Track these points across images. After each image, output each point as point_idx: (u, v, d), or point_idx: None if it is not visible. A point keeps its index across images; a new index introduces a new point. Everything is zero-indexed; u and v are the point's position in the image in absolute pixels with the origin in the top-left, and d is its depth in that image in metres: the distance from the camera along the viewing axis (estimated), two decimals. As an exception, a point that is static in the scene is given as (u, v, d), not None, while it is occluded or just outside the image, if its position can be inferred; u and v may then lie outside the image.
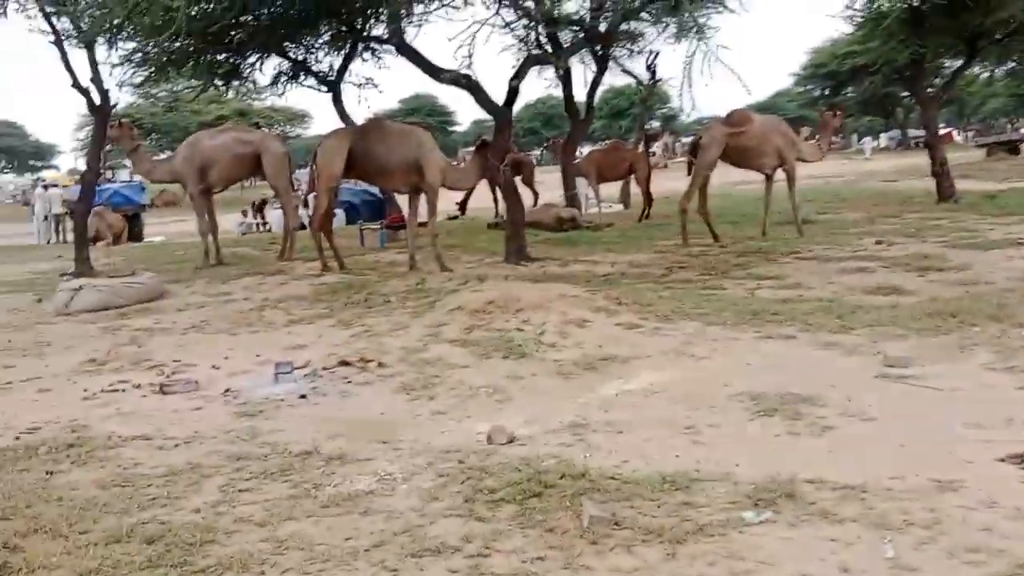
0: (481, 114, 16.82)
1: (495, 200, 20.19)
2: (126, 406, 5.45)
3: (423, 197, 11.69)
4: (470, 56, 9.99)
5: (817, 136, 14.02)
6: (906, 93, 60.91)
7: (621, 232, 16.10)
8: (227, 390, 5.75)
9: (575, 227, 16.89)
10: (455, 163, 12.27)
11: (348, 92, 17.91)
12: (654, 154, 22.44)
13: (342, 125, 14.78)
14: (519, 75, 11.84)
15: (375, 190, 22.03)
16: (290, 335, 7.55)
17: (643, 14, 11.06)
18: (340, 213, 23.28)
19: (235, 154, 12.88)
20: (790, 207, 13.68)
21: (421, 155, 11.30)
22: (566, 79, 18.77)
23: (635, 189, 20.65)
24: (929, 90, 19.65)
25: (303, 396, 5.50)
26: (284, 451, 4.36)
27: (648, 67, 23.92)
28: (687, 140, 66.92)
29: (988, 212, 15.07)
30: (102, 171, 19.26)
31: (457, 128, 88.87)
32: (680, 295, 8.24)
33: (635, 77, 23.75)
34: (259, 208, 24.85)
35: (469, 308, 7.32)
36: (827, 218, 16.21)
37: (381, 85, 17.91)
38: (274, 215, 23.08)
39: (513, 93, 11.92)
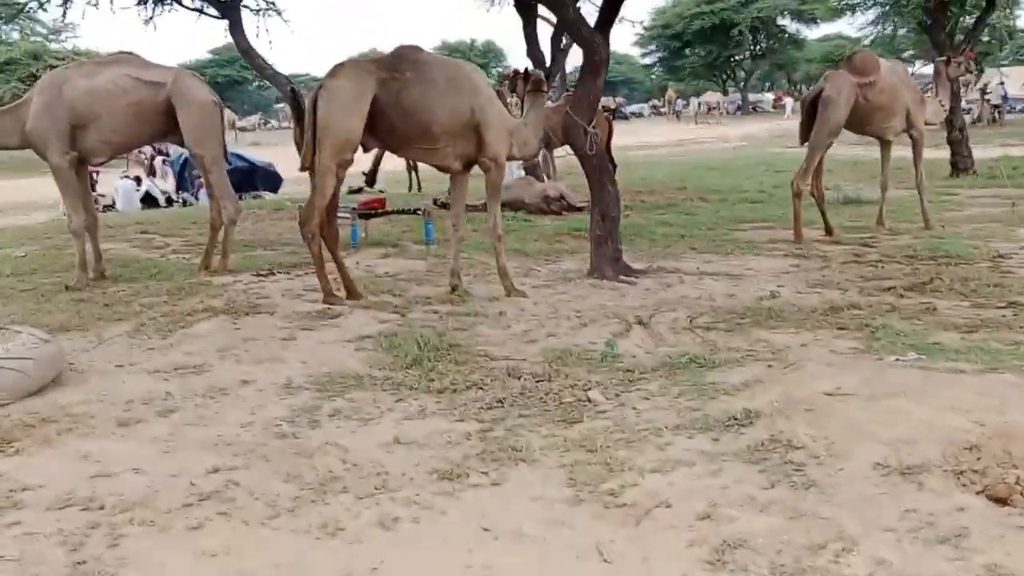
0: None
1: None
2: None
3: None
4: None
5: (935, 91, 10.52)
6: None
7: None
8: None
9: (568, 208, 12.84)
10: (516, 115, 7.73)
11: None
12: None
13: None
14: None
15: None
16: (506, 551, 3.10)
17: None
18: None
19: (131, 102, 7.85)
20: (914, 186, 10.19)
21: (479, 107, 6.84)
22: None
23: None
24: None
25: None
26: None
27: None
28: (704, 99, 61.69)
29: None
30: None
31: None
32: None
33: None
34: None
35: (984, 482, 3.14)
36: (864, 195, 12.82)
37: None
38: (121, 188, 17.36)
39: (614, 8, 7.62)
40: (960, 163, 16.12)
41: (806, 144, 9.47)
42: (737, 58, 66.11)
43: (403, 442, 3.97)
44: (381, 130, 6.70)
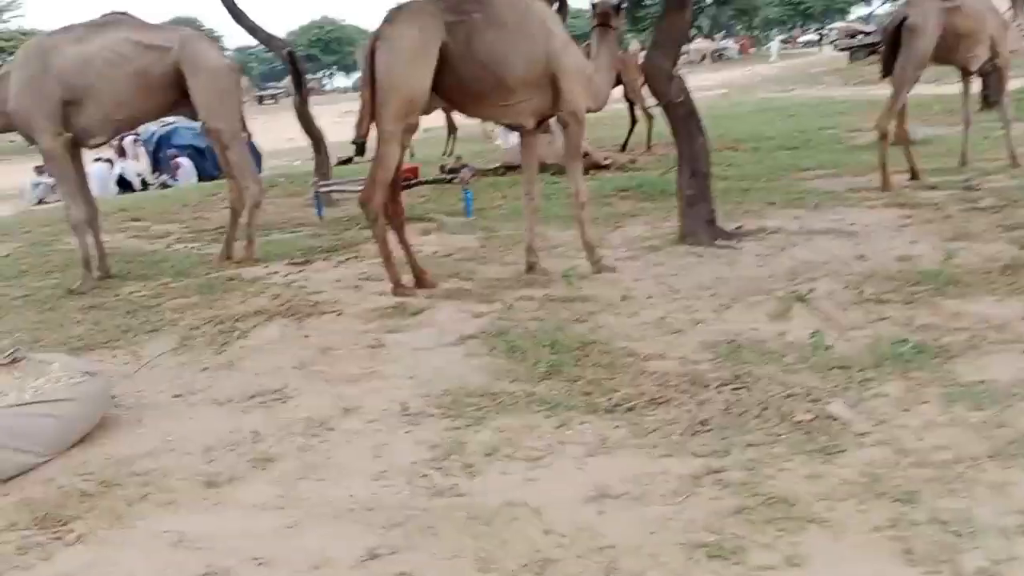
0: (249, 40, 10.85)
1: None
2: None
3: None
4: None
5: (1015, 15, 9.53)
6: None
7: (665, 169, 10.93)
8: None
9: (593, 166, 11.78)
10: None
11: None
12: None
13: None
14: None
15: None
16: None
17: None
18: (186, 164, 16.78)
19: (134, 71, 6.66)
20: (1000, 125, 9.29)
21: (554, 53, 5.73)
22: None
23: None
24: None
25: None
26: None
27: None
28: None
29: None
30: None
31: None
32: None
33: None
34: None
35: None
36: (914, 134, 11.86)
37: None
38: (95, 172, 15.93)
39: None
40: (992, 96, 15.24)
41: (888, 79, 8.46)
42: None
43: (612, 495, 2.93)
44: (448, 85, 5.58)
